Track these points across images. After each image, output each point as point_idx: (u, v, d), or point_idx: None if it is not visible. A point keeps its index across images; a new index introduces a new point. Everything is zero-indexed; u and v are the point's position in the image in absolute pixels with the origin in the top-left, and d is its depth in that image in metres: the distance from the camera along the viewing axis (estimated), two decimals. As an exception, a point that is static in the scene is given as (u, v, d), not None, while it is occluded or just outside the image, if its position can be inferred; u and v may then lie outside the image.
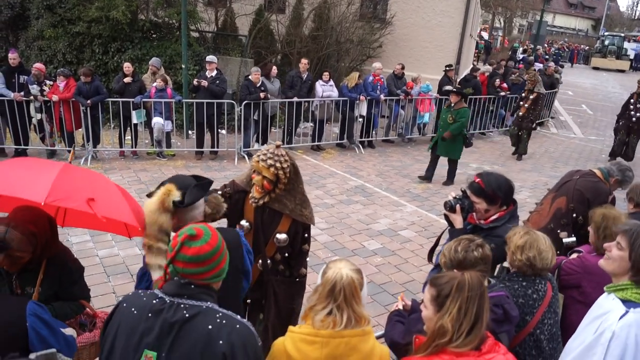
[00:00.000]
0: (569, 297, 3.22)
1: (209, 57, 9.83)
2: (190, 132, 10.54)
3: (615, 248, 2.35)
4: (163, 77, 9.53)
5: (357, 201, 8.12)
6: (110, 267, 5.52)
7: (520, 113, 11.38)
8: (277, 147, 3.20)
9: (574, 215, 4.35)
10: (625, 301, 2.26)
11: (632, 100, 11.32)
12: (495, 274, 3.37)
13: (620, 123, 11.57)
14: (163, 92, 9.37)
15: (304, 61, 10.60)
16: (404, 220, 7.51)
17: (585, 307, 3.02)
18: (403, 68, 11.97)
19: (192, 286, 1.88)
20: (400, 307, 2.88)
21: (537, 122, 11.82)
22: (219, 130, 10.06)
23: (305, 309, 2.27)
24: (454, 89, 9.52)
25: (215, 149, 9.89)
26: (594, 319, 2.39)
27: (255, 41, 13.76)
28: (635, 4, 66.65)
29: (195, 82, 9.57)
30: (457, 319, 1.93)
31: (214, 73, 9.66)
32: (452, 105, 8.97)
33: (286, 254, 3.40)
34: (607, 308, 2.32)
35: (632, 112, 11.25)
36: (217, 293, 1.97)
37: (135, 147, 9.60)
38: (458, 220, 3.27)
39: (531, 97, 11.20)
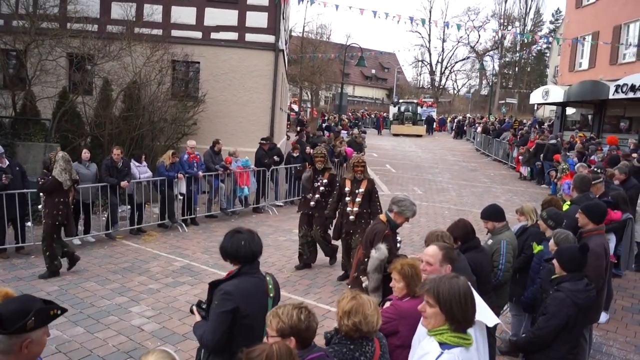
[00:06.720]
0: (389, 344, 3.51)
1: None
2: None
3: (428, 307, 2.63)
4: None
5: (184, 282, 7.91)
6: None
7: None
8: None
9: (366, 260, 4.89)
10: (441, 344, 2.57)
11: (318, 177, 8.55)
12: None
13: (302, 213, 8.69)
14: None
15: (117, 151, 10.02)
16: (234, 294, 7.47)
17: (404, 349, 3.32)
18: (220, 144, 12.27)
19: None
20: None
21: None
22: (25, 222, 9.18)
23: None
24: None
25: (21, 244, 8.96)
26: (418, 359, 2.70)
27: (60, 124, 12.97)
28: (419, 74, 77.78)
29: (4, 179, 8.58)
30: None
31: (5, 165, 8.78)
32: None
33: None
34: (427, 350, 2.62)
35: (310, 195, 8.54)
36: None
37: None
38: (197, 317, 3.42)
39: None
